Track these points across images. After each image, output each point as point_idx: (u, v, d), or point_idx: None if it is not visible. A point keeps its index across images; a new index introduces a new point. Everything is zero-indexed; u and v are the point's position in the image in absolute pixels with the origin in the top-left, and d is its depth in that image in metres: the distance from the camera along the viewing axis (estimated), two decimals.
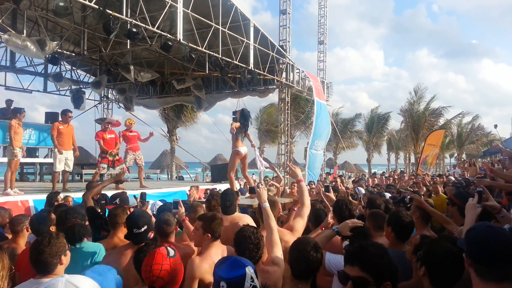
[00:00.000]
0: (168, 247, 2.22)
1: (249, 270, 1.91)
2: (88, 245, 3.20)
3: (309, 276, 2.38)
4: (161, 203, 5.53)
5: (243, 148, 7.35)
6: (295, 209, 4.43)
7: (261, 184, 6.32)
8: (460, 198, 4.30)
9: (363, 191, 7.93)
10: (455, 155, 39.62)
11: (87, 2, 8.03)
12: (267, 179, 14.99)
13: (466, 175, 13.09)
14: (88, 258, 3.06)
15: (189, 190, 8.38)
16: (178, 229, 4.88)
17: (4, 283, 1.82)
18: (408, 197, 4.86)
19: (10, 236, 4.27)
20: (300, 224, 3.61)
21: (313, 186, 9.13)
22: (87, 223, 3.85)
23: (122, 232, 3.44)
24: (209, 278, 2.91)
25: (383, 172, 22.67)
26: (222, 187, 10.71)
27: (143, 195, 5.68)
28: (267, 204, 3.32)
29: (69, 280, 1.58)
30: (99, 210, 4.89)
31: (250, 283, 1.89)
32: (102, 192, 6.11)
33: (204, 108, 16.59)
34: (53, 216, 3.66)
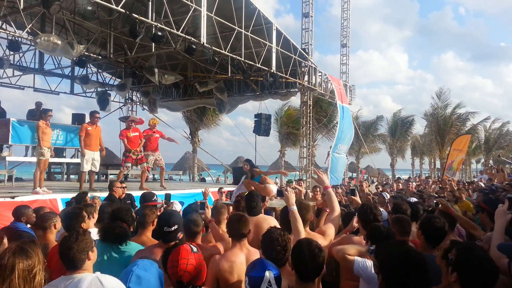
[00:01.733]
0: (190, 245, 2.29)
1: (269, 274, 2.09)
2: (133, 245, 3.26)
3: (315, 276, 2.36)
4: (179, 204, 5.59)
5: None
6: (327, 210, 4.38)
7: (289, 187, 6.30)
8: (489, 204, 4.21)
9: (388, 196, 7.80)
10: (482, 160, 38.54)
11: (113, 6, 8.20)
12: (291, 181, 14.90)
13: (493, 181, 12.72)
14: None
15: (205, 190, 8.36)
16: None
17: (41, 275, 1.88)
18: (435, 201, 4.77)
19: (39, 233, 4.39)
20: (331, 229, 3.56)
21: (339, 190, 9.03)
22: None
23: (149, 231, 3.52)
24: (229, 277, 2.93)
25: (409, 177, 22.23)
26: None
27: (167, 197, 5.76)
28: (294, 208, 3.32)
29: (98, 277, 1.60)
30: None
31: (266, 285, 2.06)
32: (127, 192, 6.23)
33: (226, 110, 16.69)
34: (84, 213, 3.74)
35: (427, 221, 3.17)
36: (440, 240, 3.08)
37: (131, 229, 3.49)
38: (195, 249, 2.24)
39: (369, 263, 2.77)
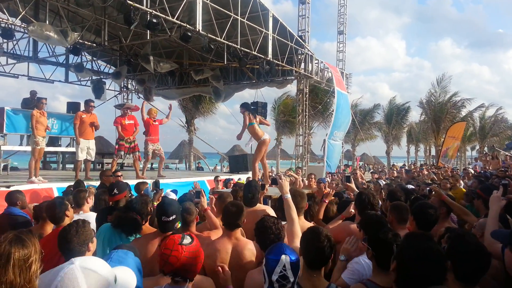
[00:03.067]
0: (186, 235, 2.24)
1: (286, 259, 2.09)
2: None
3: (323, 265, 2.38)
4: (172, 193, 5.59)
5: (266, 136, 7.57)
6: (326, 201, 4.41)
7: (283, 175, 6.33)
8: (485, 191, 4.25)
9: (383, 183, 7.86)
10: (477, 147, 38.74)
11: None
12: (292, 169, 14.95)
13: (488, 168, 12.83)
14: None
15: (194, 184, 8.36)
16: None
17: (36, 265, 1.88)
18: (428, 189, 4.82)
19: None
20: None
21: (334, 177, 9.09)
22: None
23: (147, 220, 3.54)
24: (211, 264, 2.93)
25: (403, 164, 22.36)
26: (239, 177, 10.78)
27: (157, 183, 5.75)
28: (288, 195, 3.33)
29: (83, 265, 1.59)
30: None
31: (281, 269, 2.07)
32: (124, 181, 6.22)
33: (222, 98, 16.62)
34: (66, 202, 3.74)
35: (419, 208, 3.22)
36: (432, 226, 3.13)
37: (144, 223, 3.45)
38: (186, 241, 2.17)
39: (362, 265, 2.78)
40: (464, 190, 7.00)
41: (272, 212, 3.88)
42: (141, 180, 7.11)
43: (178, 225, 3.14)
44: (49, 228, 3.83)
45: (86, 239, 2.34)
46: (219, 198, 4.21)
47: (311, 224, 3.52)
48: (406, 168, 16.54)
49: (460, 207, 4.03)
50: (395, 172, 12.94)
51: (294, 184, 8.59)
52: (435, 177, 9.77)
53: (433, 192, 4.12)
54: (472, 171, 11.39)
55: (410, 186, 6.53)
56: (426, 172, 11.67)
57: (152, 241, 3.08)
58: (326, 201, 4.41)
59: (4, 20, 10.18)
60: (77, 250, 2.31)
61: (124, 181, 5.91)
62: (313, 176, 8.17)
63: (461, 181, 8.30)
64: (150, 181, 6.68)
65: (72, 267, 1.52)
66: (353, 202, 3.81)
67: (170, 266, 2.11)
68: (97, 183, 7.21)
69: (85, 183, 6.80)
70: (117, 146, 9.39)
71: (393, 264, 1.98)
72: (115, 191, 4.22)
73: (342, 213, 3.95)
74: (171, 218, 3.07)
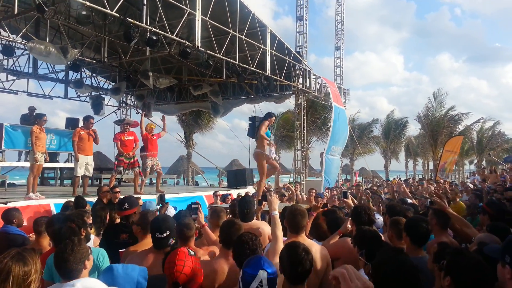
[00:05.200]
0: (189, 249, 2.34)
1: (263, 274, 2.07)
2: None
3: (304, 279, 2.37)
4: (171, 207, 5.57)
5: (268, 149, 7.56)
6: (314, 214, 4.40)
7: (273, 192, 6.32)
8: (492, 206, 4.25)
9: (384, 197, 7.87)
10: (475, 161, 38.81)
11: (108, 11, 8.20)
12: (291, 183, 14.89)
13: (486, 182, 12.83)
14: None
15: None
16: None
17: (36, 285, 1.87)
18: (429, 200, 4.82)
19: (32, 237, 4.37)
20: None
21: (334, 192, 9.08)
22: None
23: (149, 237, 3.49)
24: (209, 284, 2.90)
25: (405, 179, 22.30)
26: (237, 192, 10.74)
27: (162, 197, 5.75)
28: (276, 213, 3.31)
29: (85, 285, 1.58)
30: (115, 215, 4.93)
31: (257, 285, 2.04)
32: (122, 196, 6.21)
33: (221, 113, 16.68)
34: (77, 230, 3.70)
35: (411, 223, 3.20)
36: (425, 240, 3.11)
37: (83, 232, 3.30)
38: (192, 253, 2.27)
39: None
40: (463, 204, 7.00)
41: (268, 228, 3.86)
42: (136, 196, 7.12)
43: (173, 241, 3.12)
44: (46, 243, 3.80)
45: (82, 257, 2.31)
46: (212, 214, 4.19)
47: (313, 242, 3.49)
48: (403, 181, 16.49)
49: (461, 219, 4.04)
50: (394, 186, 12.91)
51: (291, 198, 8.59)
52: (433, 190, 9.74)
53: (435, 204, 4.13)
54: (471, 186, 11.38)
55: (409, 201, 6.52)
56: (426, 186, 11.63)
57: (145, 257, 3.06)
58: (314, 214, 4.41)
59: (5, 38, 10.29)
60: (74, 268, 2.27)
61: None
62: (314, 191, 8.18)
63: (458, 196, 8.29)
64: (153, 197, 6.66)
65: None
66: (350, 218, 3.81)
67: (185, 276, 2.16)
68: (94, 199, 7.19)
69: (92, 199, 6.78)
70: (116, 162, 9.38)
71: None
72: (126, 205, 4.18)
73: (339, 229, 3.93)
74: (164, 235, 3.05)
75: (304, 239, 3.52)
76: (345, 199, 5.68)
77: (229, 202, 7.35)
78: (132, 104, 18.13)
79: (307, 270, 2.34)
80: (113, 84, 15.56)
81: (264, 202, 4.97)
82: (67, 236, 2.96)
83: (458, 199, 7.66)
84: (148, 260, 3.03)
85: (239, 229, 3.16)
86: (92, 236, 4.02)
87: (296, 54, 14.31)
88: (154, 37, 9.25)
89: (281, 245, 3.01)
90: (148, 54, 11.78)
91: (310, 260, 2.37)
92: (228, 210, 5.30)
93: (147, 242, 3.36)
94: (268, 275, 2.07)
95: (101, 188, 6.86)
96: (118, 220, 4.75)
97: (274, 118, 7.88)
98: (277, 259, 2.80)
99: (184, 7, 9.50)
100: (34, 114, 12.24)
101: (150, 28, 9.09)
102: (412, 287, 1.83)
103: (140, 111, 17.08)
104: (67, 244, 2.38)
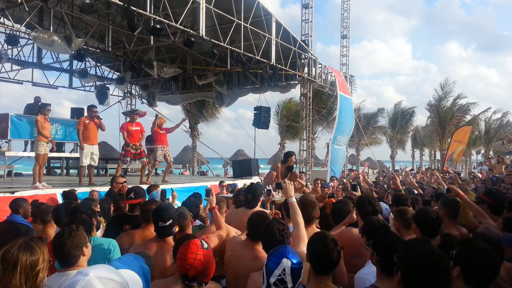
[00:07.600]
0: (202, 240, 2.30)
1: (286, 263, 2.09)
2: (99, 240, 3.17)
3: (331, 269, 2.33)
4: (177, 202, 5.54)
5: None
6: (320, 205, 4.38)
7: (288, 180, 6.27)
8: (490, 196, 4.22)
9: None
10: (482, 151, 38.50)
11: None
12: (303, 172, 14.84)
13: (493, 172, 12.71)
14: (99, 254, 2.96)
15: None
16: (202, 223, 4.90)
17: (44, 274, 1.86)
18: (446, 188, 4.78)
19: (38, 227, 4.38)
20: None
21: (336, 182, 9.04)
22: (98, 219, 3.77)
23: (153, 226, 3.48)
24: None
25: (411, 169, 22.19)
26: (242, 182, 10.72)
27: (163, 193, 5.71)
28: (293, 199, 3.31)
29: (98, 275, 1.54)
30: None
31: (280, 272, 2.06)
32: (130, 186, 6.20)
33: (226, 103, 16.63)
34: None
35: (421, 214, 3.18)
36: (435, 231, 3.09)
37: (94, 221, 3.33)
38: (205, 246, 2.25)
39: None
40: (474, 194, 6.94)
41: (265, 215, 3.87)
42: (153, 184, 7.14)
43: (177, 228, 3.13)
44: (52, 232, 3.80)
45: (80, 243, 2.31)
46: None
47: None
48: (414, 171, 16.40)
49: (477, 209, 4.03)
50: (400, 177, 12.80)
51: (299, 189, 8.56)
52: (441, 181, 9.65)
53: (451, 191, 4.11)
54: (480, 176, 11.26)
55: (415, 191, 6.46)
56: (437, 175, 11.47)
57: (149, 246, 3.07)
58: (320, 204, 4.38)
59: (9, 27, 10.25)
60: (71, 254, 2.27)
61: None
62: (319, 181, 8.13)
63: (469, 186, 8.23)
64: (169, 186, 6.64)
65: (89, 278, 1.48)
66: (355, 208, 3.78)
67: (195, 270, 2.15)
68: (100, 189, 7.21)
69: (89, 188, 6.78)
70: (123, 152, 9.35)
71: (397, 275, 1.92)
72: (132, 195, 4.18)
73: (344, 219, 3.90)
74: (167, 223, 3.06)
75: (314, 229, 3.50)
76: (354, 192, 5.66)
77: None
78: (137, 93, 18.11)
79: (334, 261, 2.30)
80: (118, 73, 15.52)
81: (272, 193, 4.95)
82: None
83: (469, 189, 7.60)
84: (152, 249, 3.03)
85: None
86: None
87: (302, 43, 14.17)
88: (158, 26, 9.17)
89: (303, 231, 3.03)
90: (152, 43, 11.71)
91: (339, 251, 2.32)
92: (232, 200, 5.29)
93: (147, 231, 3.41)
94: (292, 264, 2.08)
95: (115, 178, 6.79)
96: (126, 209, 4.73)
97: (294, 156, 8.09)
98: (301, 245, 2.81)
99: None
100: (39, 104, 12.26)
101: (154, 16, 9.00)
102: (443, 275, 1.79)
103: (145, 101, 17.12)
104: (65, 229, 2.39)
